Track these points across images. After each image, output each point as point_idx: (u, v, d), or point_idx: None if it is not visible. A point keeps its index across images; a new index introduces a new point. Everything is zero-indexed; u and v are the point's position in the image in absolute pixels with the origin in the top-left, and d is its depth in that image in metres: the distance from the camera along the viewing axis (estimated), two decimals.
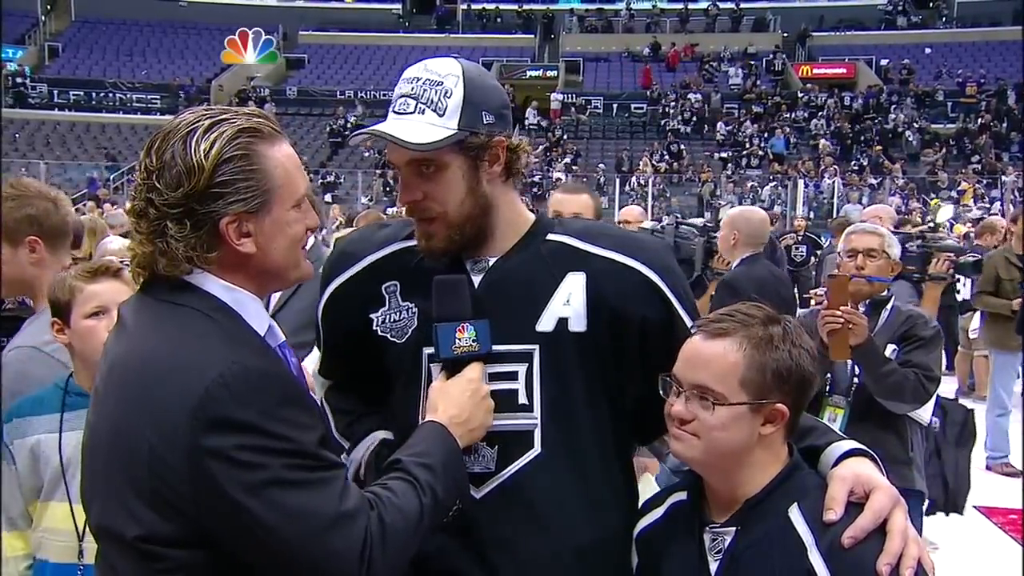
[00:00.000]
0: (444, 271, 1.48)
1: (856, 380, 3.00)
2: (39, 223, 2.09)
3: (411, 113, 1.41)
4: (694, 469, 1.45)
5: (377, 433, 1.59)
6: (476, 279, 1.49)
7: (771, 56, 29.89)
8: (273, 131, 1.31)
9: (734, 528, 1.39)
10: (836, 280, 2.91)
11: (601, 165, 24.06)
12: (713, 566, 1.39)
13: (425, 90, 1.42)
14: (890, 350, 2.95)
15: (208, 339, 1.24)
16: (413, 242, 1.55)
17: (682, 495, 1.51)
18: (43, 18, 32.63)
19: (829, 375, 3.02)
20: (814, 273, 9.92)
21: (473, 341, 1.42)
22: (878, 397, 2.90)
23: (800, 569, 1.30)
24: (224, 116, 1.28)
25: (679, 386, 1.40)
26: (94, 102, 29.33)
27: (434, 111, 1.41)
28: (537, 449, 1.46)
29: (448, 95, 1.42)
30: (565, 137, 25.64)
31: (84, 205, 12.20)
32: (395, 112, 1.43)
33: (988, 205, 18.64)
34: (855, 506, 1.32)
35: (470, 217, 1.46)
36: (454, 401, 1.39)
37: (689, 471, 1.52)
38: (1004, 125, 24.20)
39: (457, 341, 1.41)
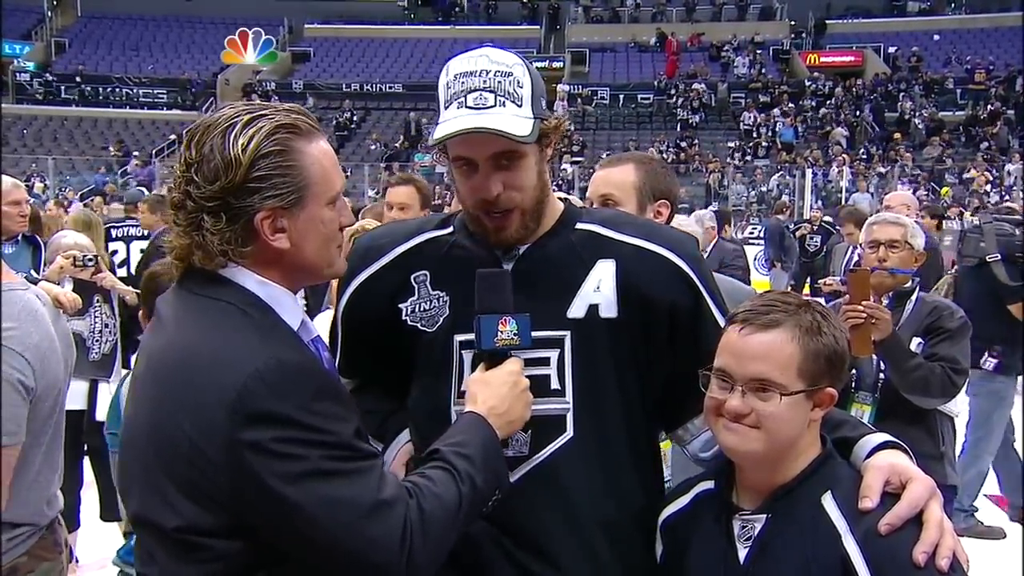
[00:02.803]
0: (475, 260, 1.49)
1: (882, 376, 2.92)
2: None
3: (492, 107, 1.40)
4: (744, 463, 1.43)
5: (406, 433, 1.60)
6: (507, 267, 1.51)
7: (779, 45, 29.70)
8: (311, 127, 1.32)
9: (765, 515, 1.40)
10: (857, 274, 2.81)
11: (605, 155, 23.95)
12: (742, 553, 1.40)
13: (500, 82, 1.41)
14: (915, 343, 2.87)
15: (244, 334, 1.25)
16: (443, 231, 1.57)
17: (709, 484, 1.52)
18: (49, 13, 32.62)
19: (855, 371, 2.94)
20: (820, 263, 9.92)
21: (515, 334, 1.43)
22: (904, 392, 2.83)
23: (834, 556, 1.31)
24: (263, 112, 1.29)
25: (731, 380, 1.39)
26: (101, 97, 29.36)
27: (514, 103, 1.41)
28: (569, 433, 1.48)
29: (520, 85, 1.42)
30: (572, 128, 25.54)
31: (91, 200, 12.22)
32: (471, 108, 1.40)
33: (1002, 192, 18.53)
34: (890, 496, 1.33)
35: (538, 203, 1.49)
36: (494, 392, 1.40)
37: (716, 461, 1.53)
38: (1013, 112, 24.00)
39: (499, 334, 1.42)
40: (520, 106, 1.42)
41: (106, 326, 4.15)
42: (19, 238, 4.39)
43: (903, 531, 1.29)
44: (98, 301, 4.11)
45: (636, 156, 2.38)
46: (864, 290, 2.75)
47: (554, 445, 1.48)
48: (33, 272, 4.34)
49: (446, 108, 1.43)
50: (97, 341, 4.11)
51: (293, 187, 1.28)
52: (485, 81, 1.41)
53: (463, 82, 1.42)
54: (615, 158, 2.42)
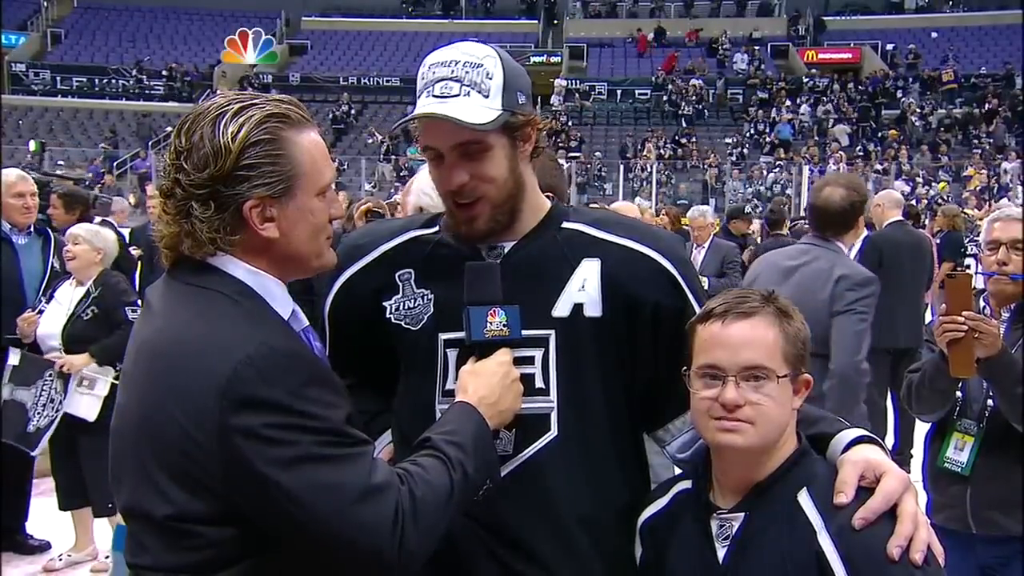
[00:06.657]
0: (459, 259, 1.48)
1: (991, 403, 2.44)
2: None
3: (456, 96, 1.40)
4: (738, 459, 1.40)
5: (389, 434, 1.61)
6: None
7: (777, 41, 29.71)
8: (301, 118, 1.32)
9: (743, 513, 1.40)
10: (956, 280, 2.32)
11: (597, 153, 23.85)
12: (721, 552, 1.40)
13: (467, 72, 1.41)
14: None
15: (233, 321, 1.26)
16: (429, 230, 1.57)
17: (686, 484, 1.52)
18: (45, 4, 32.49)
19: (960, 394, 2.49)
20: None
21: (504, 326, 1.43)
22: (1013, 422, 2.36)
23: (810, 552, 1.31)
24: (254, 101, 1.30)
25: (723, 373, 1.37)
26: (97, 88, 29.27)
27: (479, 92, 1.41)
28: (554, 432, 1.48)
29: (489, 76, 1.42)
30: (569, 124, 25.53)
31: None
32: (436, 96, 1.41)
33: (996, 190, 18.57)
34: (865, 491, 1.32)
35: (510, 197, 1.48)
36: (484, 383, 1.40)
37: (694, 459, 1.52)
38: (1007, 111, 24.03)
39: (488, 325, 1.42)
40: (487, 97, 1.41)
41: (51, 400, 4.00)
42: (31, 230, 4.39)
43: (877, 525, 1.29)
44: (50, 376, 3.97)
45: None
46: (965, 299, 2.28)
47: (538, 444, 1.47)
48: (55, 263, 4.35)
49: (419, 97, 1.44)
50: (37, 414, 3.98)
51: (282, 176, 1.28)
52: (453, 71, 1.42)
53: (434, 71, 1.43)
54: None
